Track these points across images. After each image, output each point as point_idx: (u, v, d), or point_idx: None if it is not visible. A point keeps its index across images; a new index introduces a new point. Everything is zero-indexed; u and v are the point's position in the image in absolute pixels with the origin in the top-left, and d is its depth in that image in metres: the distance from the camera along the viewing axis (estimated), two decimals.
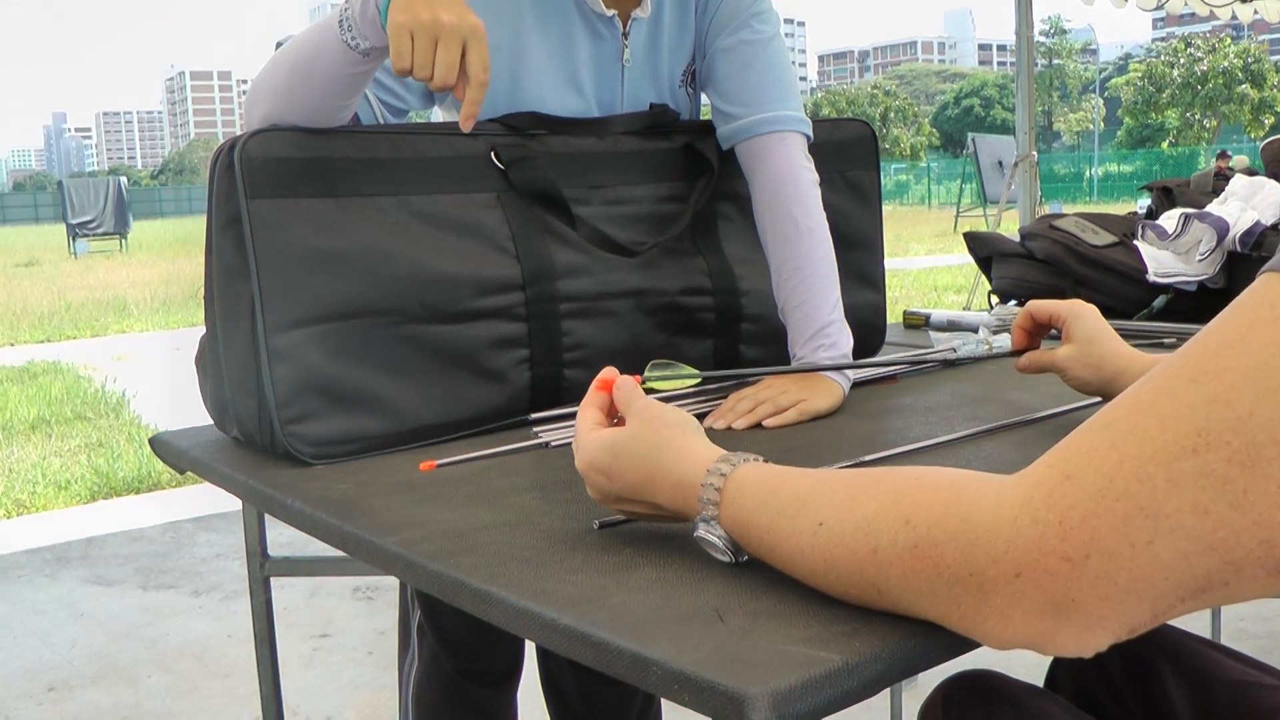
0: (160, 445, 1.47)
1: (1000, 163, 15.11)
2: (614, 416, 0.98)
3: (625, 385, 0.96)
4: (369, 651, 3.11)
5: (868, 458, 1.17)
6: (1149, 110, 60.59)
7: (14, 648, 3.27)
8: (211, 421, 1.44)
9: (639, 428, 0.90)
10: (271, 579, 1.52)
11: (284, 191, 1.26)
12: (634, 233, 1.53)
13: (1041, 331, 1.36)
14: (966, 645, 0.72)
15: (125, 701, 2.86)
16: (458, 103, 1.21)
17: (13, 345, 10.40)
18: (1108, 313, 2.03)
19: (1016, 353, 1.37)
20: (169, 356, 9.12)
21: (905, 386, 1.60)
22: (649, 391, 1.02)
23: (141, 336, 10.70)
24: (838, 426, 1.36)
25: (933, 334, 1.80)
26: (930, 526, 0.69)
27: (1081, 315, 1.28)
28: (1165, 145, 55.75)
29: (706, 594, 0.81)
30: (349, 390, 1.26)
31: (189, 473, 1.41)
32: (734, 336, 1.62)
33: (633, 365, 1.53)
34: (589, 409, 0.97)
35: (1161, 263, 2.00)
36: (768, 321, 1.61)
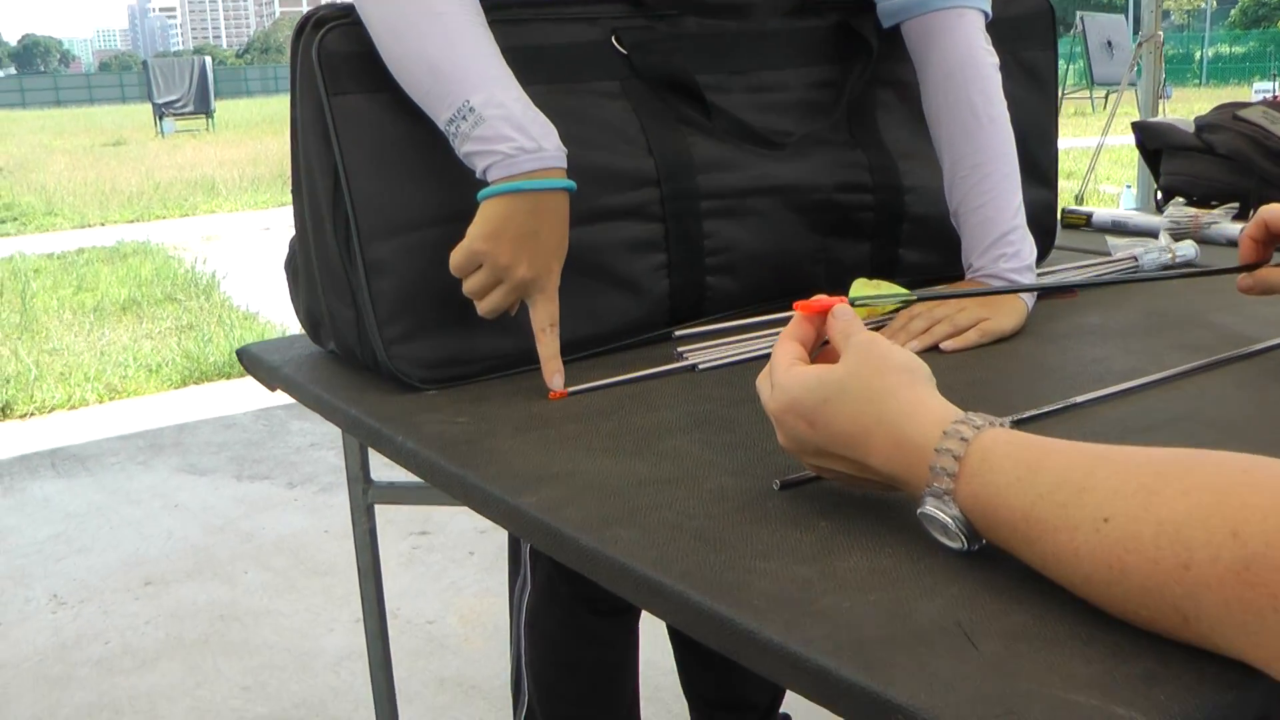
0: (249, 359, 1.32)
1: (1109, 42, 14.45)
2: (813, 351, 0.81)
3: (844, 313, 0.79)
4: (470, 552, 3.00)
5: (1079, 399, 0.98)
6: None
7: (110, 538, 3.20)
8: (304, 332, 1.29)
9: (859, 367, 0.73)
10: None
11: (372, 85, 1.08)
12: (782, 122, 1.33)
13: (1274, 243, 1.15)
14: None
15: (222, 599, 2.78)
16: None
17: (103, 225, 10.38)
18: None
19: (1238, 269, 1.17)
20: (259, 237, 9.07)
21: (1088, 301, 1.40)
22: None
23: (230, 217, 10.63)
24: (1025, 352, 1.18)
25: (1109, 240, 1.59)
26: (1270, 544, 0.51)
27: None
28: None
29: (942, 598, 0.64)
30: (461, 304, 1.09)
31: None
32: (894, 238, 1.42)
33: (782, 271, 1.36)
34: (789, 341, 0.80)
35: None
36: (932, 223, 1.42)
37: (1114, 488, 0.58)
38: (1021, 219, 1.29)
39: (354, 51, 1.08)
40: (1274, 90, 13.81)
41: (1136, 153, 5.81)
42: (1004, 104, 1.30)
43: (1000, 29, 1.43)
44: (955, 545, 0.67)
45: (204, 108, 23.44)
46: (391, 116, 1.09)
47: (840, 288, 1.41)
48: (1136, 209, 4.69)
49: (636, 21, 1.26)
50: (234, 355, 5.14)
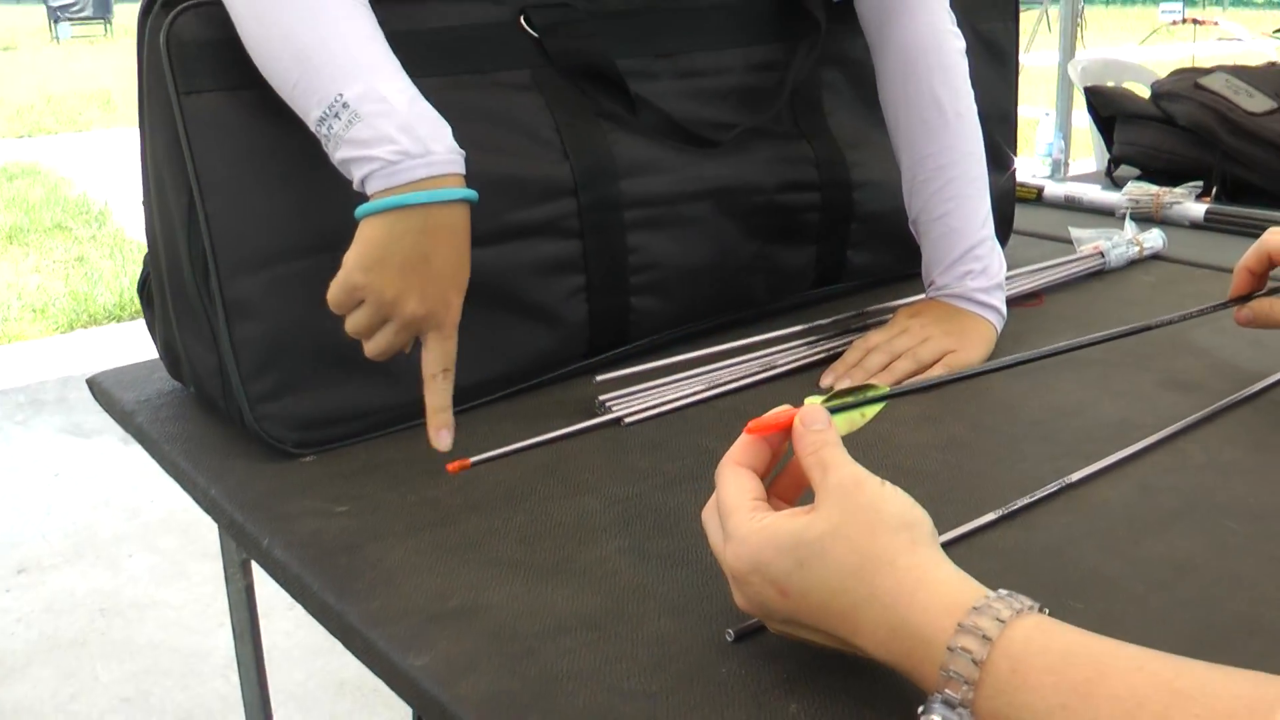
0: (100, 393, 1.13)
1: None
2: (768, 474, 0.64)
3: (816, 421, 0.62)
4: None
5: (1074, 477, 0.83)
6: None
7: None
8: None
9: (845, 524, 0.56)
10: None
11: (234, 81, 0.88)
12: (717, 113, 1.15)
13: (1269, 273, 1.01)
14: None
15: (103, 588, 2.58)
16: None
17: None
18: (1259, 197, 1.68)
19: (1232, 302, 1.03)
20: None
21: (1056, 307, 1.25)
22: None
23: (128, 133, 10.10)
24: (998, 396, 1.02)
25: (1073, 231, 1.44)
26: None
27: None
28: None
29: None
30: (341, 349, 0.90)
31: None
32: (841, 240, 1.26)
33: (716, 285, 1.18)
34: (739, 473, 0.63)
35: None
36: (883, 220, 1.26)
37: None
38: (990, 229, 1.13)
39: (213, 39, 0.88)
40: (1182, 11, 13.81)
41: (1055, 75, 5.68)
42: (971, 95, 1.13)
43: None
44: None
45: (102, 12, 22.48)
46: (258, 120, 0.89)
47: (780, 298, 1.25)
48: (1060, 149, 4.56)
49: None
50: (125, 295, 4.87)
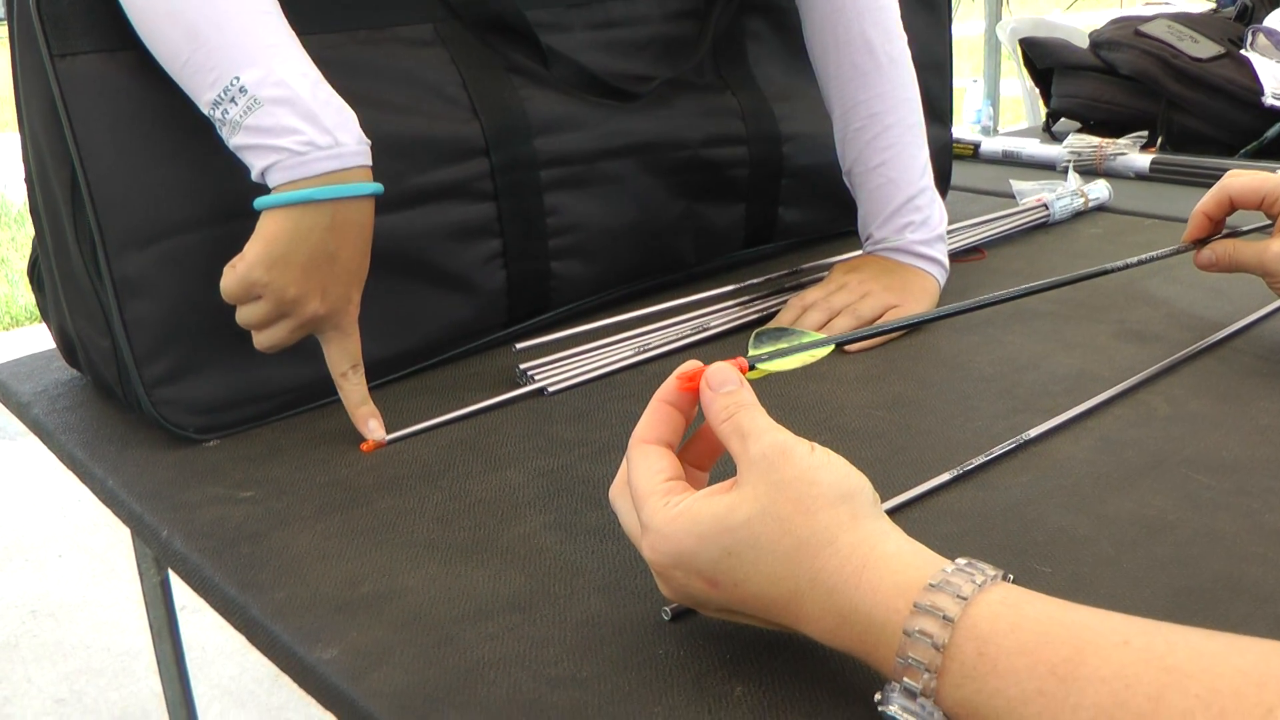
0: None
1: None
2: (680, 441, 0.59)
3: (723, 381, 0.55)
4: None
5: (1032, 433, 0.79)
6: None
7: None
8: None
9: (774, 503, 0.50)
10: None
11: (112, 41, 0.81)
12: (635, 65, 1.10)
13: (1227, 215, 0.97)
14: None
15: (33, 590, 2.49)
16: None
17: None
18: (1206, 145, 1.65)
19: (1189, 247, 0.99)
20: None
21: (998, 261, 1.21)
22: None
23: None
24: (947, 351, 0.98)
25: (1014, 184, 1.40)
26: None
27: None
28: None
29: None
30: (241, 327, 0.84)
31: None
32: (771, 197, 1.21)
33: (642, 247, 1.13)
34: (643, 450, 0.56)
35: None
36: (815, 175, 1.22)
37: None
38: (929, 179, 1.08)
39: None
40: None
41: (982, 42, 5.66)
42: (904, 39, 1.09)
43: None
44: None
45: None
46: (142, 83, 0.82)
47: (709, 259, 1.20)
48: (989, 115, 4.54)
49: None
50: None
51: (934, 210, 1.08)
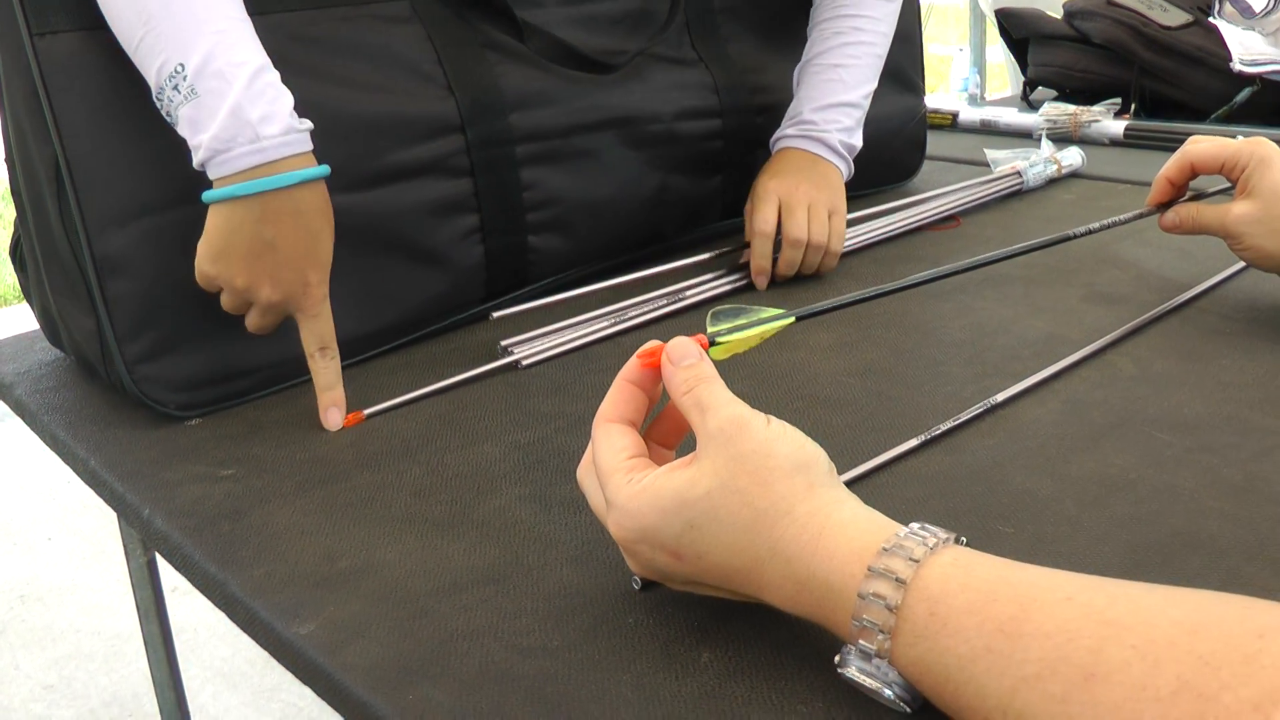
0: None
1: None
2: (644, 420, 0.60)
3: (683, 354, 0.56)
4: None
5: (1000, 398, 0.80)
6: None
7: None
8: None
9: (733, 475, 0.51)
10: None
11: (90, 19, 0.81)
12: (609, 39, 1.11)
13: (1189, 180, 0.98)
14: None
15: (22, 574, 2.50)
16: None
17: None
18: (1178, 111, 1.66)
19: (1153, 211, 1.00)
20: None
21: (973, 228, 1.22)
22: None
23: None
24: (918, 316, 0.99)
25: (988, 153, 1.41)
26: None
27: (1270, 161, 0.90)
28: None
29: None
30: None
31: None
32: (747, 169, 1.22)
33: (620, 221, 1.13)
34: (606, 429, 0.57)
35: (1248, 47, 1.60)
36: None
37: (1140, 680, 0.39)
38: (866, 108, 1.17)
39: None
40: None
41: (968, 11, 5.66)
42: None
43: None
44: (899, 710, 0.48)
45: None
46: (119, 60, 0.82)
47: (687, 232, 1.21)
48: (974, 87, 4.54)
49: None
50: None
51: (859, 130, 1.15)
